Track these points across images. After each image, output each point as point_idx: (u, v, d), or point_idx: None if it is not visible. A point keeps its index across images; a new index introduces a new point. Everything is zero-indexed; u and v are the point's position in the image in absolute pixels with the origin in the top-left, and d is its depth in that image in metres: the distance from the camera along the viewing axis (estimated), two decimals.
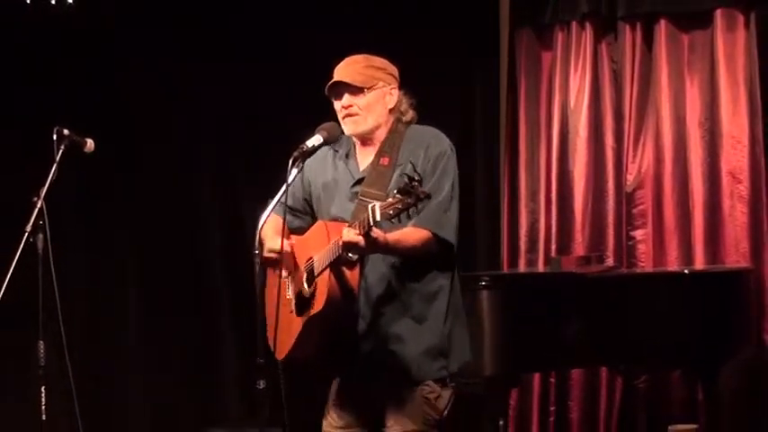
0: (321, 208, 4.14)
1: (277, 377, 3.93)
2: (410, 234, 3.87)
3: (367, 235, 3.67)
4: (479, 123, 6.77)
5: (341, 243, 3.73)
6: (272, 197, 3.97)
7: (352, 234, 3.70)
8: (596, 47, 6.51)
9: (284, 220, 4.00)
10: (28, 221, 4.29)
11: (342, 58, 4.10)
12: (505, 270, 6.58)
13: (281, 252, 3.91)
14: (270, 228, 4.05)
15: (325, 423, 4.16)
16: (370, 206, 3.59)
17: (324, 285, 3.87)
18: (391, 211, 3.54)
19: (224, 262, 6.94)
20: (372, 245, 3.72)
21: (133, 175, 6.98)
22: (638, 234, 6.40)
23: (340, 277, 3.87)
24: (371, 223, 3.60)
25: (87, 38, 6.79)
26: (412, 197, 3.52)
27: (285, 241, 3.93)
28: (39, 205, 4.30)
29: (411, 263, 3.94)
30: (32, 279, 4.30)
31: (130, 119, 6.82)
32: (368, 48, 4.15)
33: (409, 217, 3.65)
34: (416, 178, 3.55)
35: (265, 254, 3.98)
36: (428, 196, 3.59)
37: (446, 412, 4.02)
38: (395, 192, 3.56)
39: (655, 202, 6.39)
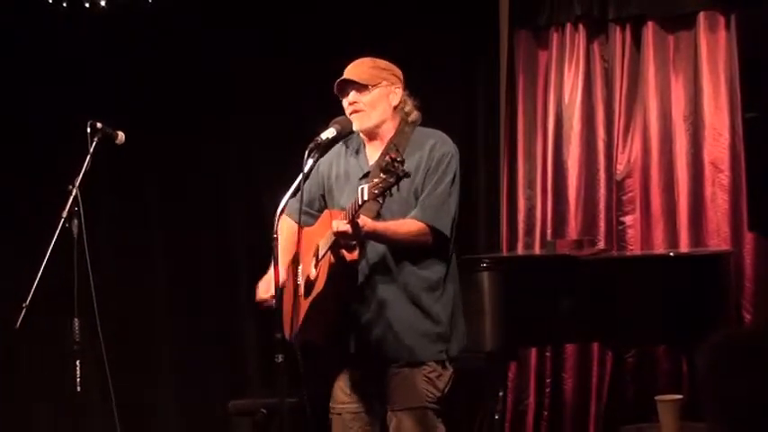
0: (333, 200, 4.14)
1: (294, 353, 3.92)
2: (402, 224, 3.85)
3: (353, 222, 3.65)
4: (481, 118, 6.75)
5: (332, 232, 3.72)
6: (290, 186, 3.95)
7: (340, 224, 3.68)
8: (589, 47, 6.49)
9: (299, 223, 3.94)
10: (64, 208, 4.28)
11: (345, 58, 4.09)
12: (504, 252, 6.56)
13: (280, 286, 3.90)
14: (283, 238, 3.96)
15: (331, 401, 4.15)
16: (359, 188, 3.58)
17: (324, 267, 3.86)
18: (376, 191, 3.54)
19: (246, 245, 6.91)
20: (358, 231, 3.69)
21: (161, 169, 6.98)
22: (628, 219, 6.38)
23: (340, 259, 3.86)
24: (360, 203, 3.59)
25: (121, 36, 6.76)
26: (393, 176, 3.51)
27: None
28: (74, 193, 4.29)
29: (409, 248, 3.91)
30: (68, 262, 4.29)
31: (162, 114, 6.78)
32: (373, 48, 4.13)
33: (391, 195, 3.61)
34: (399, 159, 3.52)
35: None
36: (407, 175, 3.56)
37: (446, 390, 4.00)
38: (379, 171, 3.54)
39: (642, 190, 6.37)
